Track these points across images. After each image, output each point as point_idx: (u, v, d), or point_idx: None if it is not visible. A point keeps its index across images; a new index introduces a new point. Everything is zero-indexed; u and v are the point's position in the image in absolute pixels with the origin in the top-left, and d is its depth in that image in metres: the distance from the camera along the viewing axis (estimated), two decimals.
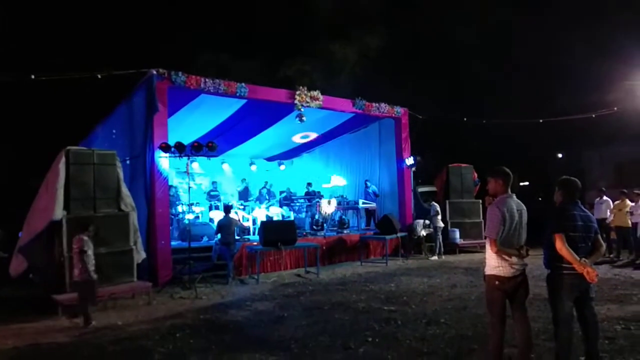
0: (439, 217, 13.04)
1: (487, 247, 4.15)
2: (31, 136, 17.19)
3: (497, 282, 4.05)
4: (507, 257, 4.01)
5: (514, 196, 4.19)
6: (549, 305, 4.26)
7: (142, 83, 10.14)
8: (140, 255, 8.58)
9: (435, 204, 13.24)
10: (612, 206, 11.96)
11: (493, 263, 4.09)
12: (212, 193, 14.73)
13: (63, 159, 7.80)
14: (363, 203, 14.35)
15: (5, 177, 16.84)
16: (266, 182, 16.53)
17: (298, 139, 15.65)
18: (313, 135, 15.44)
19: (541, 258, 4.30)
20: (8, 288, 8.66)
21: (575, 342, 4.19)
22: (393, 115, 14.19)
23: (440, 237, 12.97)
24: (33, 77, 9.21)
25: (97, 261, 7.60)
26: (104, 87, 10.79)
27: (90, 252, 6.82)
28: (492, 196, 4.28)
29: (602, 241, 4.31)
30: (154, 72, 9.82)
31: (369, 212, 14.73)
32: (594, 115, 15.31)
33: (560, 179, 4.36)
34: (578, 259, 3.94)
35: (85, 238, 6.85)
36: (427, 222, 13.22)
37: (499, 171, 4.22)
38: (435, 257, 12.71)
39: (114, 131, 11.86)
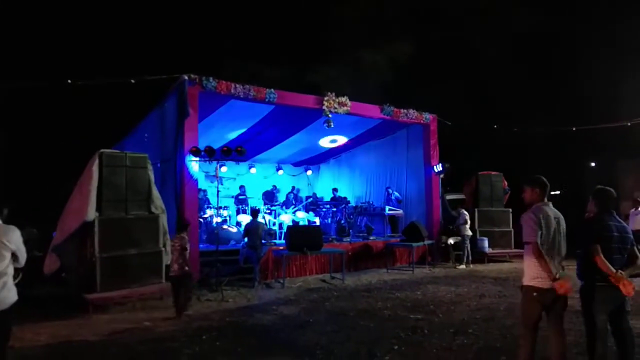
0: (467, 225, 12.85)
1: (526, 255, 4.04)
2: (66, 139, 17.67)
3: (535, 294, 3.94)
4: (544, 268, 3.90)
5: (550, 204, 4.10)
6: (583, 318, 4.15)
7: (174, 88, 10.34)
8: (169, 257, 8.67)
9: (464, 211, 13.06)
10: None
11: (532, 273, 3.98)
12: (239, 197, 14.86)
13: (96, 162, 7.98)
14: (390, 210, 14.26)
15: (41, 178, 17.34)
16: (293, 187, 16.61)
17: (326, 143, 15.66)
18: (342, 140, 15.42)
19: (574, 269, 4.20)
20: (42, 286, 8.88)
21: (610, 357, 4.06)
22: (422, 121, 14.09)
23: (468, 245, 12.78)
24: (69, 81, 9.49)
25: (127, 262, 7.84)
26: (137, 92, 11.03)
27: (188, 249, 7.52)
28: (528, 205, 4.19)
29: (638, 253, 4.18)
30: (186, 78, 10.00)
31: (394, 219, 14.63)
32: (629, 124, 14.89)
33: (595, 189, 4.26)
34: (614, 270, 3.84)
35: (186, 237, 7.54)
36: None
37: (536, 180, 4.14)
38: (463, 266, 12.52)
39: (146, 135, 12.11)
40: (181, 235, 7.55)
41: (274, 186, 16.13)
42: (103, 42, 19.20)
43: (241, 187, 15.25)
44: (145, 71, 10.22)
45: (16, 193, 15.31)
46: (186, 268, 7.38)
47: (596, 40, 18.24)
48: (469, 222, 12.92)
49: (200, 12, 20.45)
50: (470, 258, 12.78)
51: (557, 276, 3.84)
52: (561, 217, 4.11)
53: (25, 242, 4.14)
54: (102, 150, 8.18)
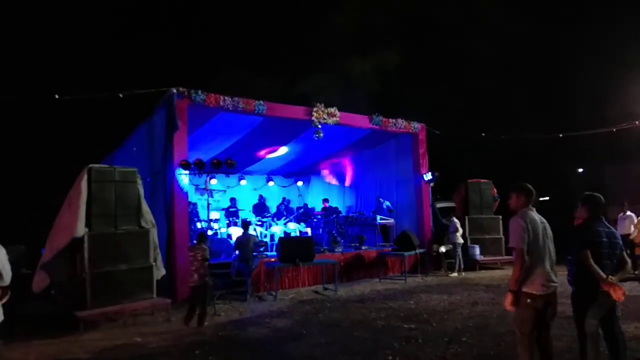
0: (459, 233, 12.92)
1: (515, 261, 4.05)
2: (54, 154, 17.53)
3: (528, 300, 3.93)
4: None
5: (534, 210, 4.13)
6: (574, 323, 4.18)
7: (163, 101, 10.32)
8: (160, 271, 8.63)
9: (456, 220, 13.13)
10: (635, 221, 11.71)
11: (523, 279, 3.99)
12: (230, 209, 14.80)
13: (85, 177, 7.92)
14: (381, 219, 14.28)
15: (28, 194, 17.16)
16: (284, 198, 16.58)
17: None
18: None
19: (564, 275, 4.23)
20: (30, 304, 8.75)
21: None
22: (410, 130, 14.18)
23: (459, 253, 12.83)
24: (57, 96, 9.43)
25: (118, 278, 7.76)
26: (126, 105, 10.99)
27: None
28: (513, 212, 4.22)
29: (627, 258, 4.23)
30: (174, 91, 9.98)
31: (386, 228, 14.65)
32: (614, 130, 15.09)
33: (584, 195, 4.30)
34: (604, 276, 3.87)
35: (207, 248, 7.74)
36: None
37: (521, 187, 4.15)
38: (455, 274, 12.55)
39: (134, 149, 12.04)
40: (201, 245, 7.70)
41: (260, 196, 16.08)
42: (91, 57, 19.15)
43: (232, 199, 15.20)
44: (134, 84, 10.20)
45: (3, 209, 15.12)
46: (206, 278, 7.55)
47: (581, 47, 18.54)
48: (460, 230, 12.99)
49: (188, 24, 20.51)
50: (462, 266, 12.82)
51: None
52: (546, 222, 4.14)
53: (14, 260, 4.09)
54: (90, 165, 8.11)
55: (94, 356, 6.07)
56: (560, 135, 15.57)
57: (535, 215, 4.08)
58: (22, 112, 16.18)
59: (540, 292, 3.90)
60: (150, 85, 10.04)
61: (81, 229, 7.66)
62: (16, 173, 17.33)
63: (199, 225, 12.79)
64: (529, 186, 4.16)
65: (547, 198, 21.41)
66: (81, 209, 7.72)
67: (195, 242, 8.17)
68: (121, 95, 9.92)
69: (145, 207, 8.63)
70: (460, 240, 12.95)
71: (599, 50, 17.93)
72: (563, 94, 19.95)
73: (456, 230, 12.91)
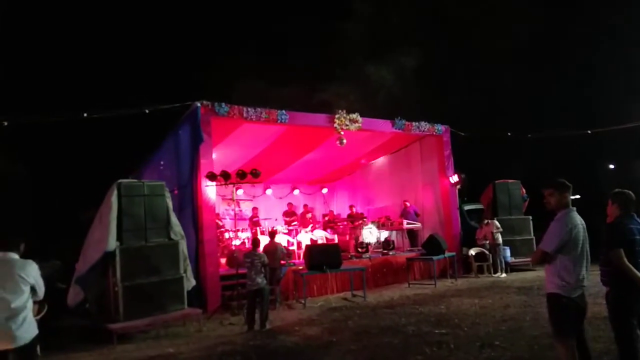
0: (499, 234, 12.86)
1: (547, 263, 3.95)
2: (84, 171, 17.95)
3: (564, 300, 3.82)
4: (565, 275, 3.84)
5: (575, 210, 3.99)
6: (610, 324, 4.06)
7: (188, 115, 10.51)
8: (190, 282, 8.75)
9: (496, 221, 13.11)
10: None
11: (555, 280, 3.87)
12: (254, 219, 14.87)
13: (115, 192, 8.10)
14: (408, 223, 14.17)
15: (61, 210, 17.58)
16: (306, 205, 16.60)
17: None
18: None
19: (597, 275, 4.12)
20: (67, 318, 8.95)
21: None
22: (434, 133, 14.08)
23: (501, 253, 12.81)
24: (85, 115, 9.69)
25: (149, 290, 7.88)
26: (152, 121, 11.22)
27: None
28: (554, 210, 4.04)
29: None
30: (198, 105, 10.18)
31: (413, 233, 14.54)
32: None
33: (614, 192, 4.19)
34: (639, 274, 3.76)
35: (263, 254, 8.30)
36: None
37: (562, 184, 4.00)
38: (504, 275, 12.54)
39: (162, 162, 12.25)
40: (258, 251, 8.27)
41: (290, 204, 16.16)
42: (117, 75, 19.60)
43: (254, 209, 15.28)
44: (158, 99, 10.41)
45: (39, 226, 15.54)
46: (266, 282, 8.05)
47: (609, 40, 18.14)
48: (501, 229, 12.96)
49: (207, 36, 20.78)
50: (501, 266, 12.82)
51: None
52: (584, 222, 4.01)
53: (50, 275, 4.20)
54: (120, 180, 8.30)
55: None
56: (589, 132, 15.22)
57: (577, 217, 3.93)
58: (54, 131, 16.63)
59: (572, 295, 3.81)
60: (175, 100, 10.25)
61: (112, 243, 7.82)
62: (50, 190, 17.81)
63: (226, 235, 12.91)
64: (567, 182, 4.01)
65: (578, 196, 20.91)
66: (112, 223, 7.90)
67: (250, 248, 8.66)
68: (147, 111, 10.14)
69: (174, 219, 8.78)
70: (500, 241, 12.90)
71: (629, 42, 17.46)
72: (591, 89, 19.49)
73: (497, 230, 12.91)
